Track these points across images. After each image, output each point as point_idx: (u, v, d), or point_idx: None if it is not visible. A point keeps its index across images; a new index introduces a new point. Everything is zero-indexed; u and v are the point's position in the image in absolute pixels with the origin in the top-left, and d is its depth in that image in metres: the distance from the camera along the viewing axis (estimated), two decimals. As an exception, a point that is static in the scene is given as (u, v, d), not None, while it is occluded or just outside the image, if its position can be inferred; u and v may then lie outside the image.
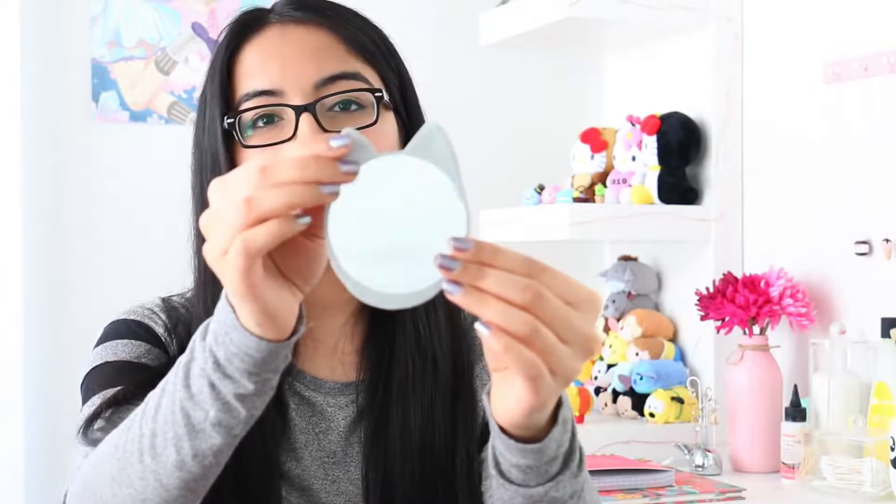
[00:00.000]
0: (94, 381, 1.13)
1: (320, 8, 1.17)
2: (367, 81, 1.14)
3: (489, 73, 3.12)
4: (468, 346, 1.23)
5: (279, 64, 1.12)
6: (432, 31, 3.07)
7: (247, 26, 1.16)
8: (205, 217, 0.85)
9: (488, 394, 0.89)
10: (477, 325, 0.80)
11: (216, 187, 0.85)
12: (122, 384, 1.10)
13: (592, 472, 2.18)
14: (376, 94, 1.13)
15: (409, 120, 1.19)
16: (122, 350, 1.14)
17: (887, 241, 2.25)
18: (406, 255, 0.79)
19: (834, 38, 2.40)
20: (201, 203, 1.15)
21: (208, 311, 1.13)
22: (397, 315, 1.18)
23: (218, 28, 3.04)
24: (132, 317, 1.18)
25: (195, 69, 2.93)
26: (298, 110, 1.10)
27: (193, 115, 2.88)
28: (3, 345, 2.72)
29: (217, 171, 1.13)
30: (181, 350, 1.13)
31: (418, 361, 1.17)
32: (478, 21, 2.93)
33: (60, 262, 2.85)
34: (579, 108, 3.12)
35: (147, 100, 2.91)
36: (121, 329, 1.16)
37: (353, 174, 0.80)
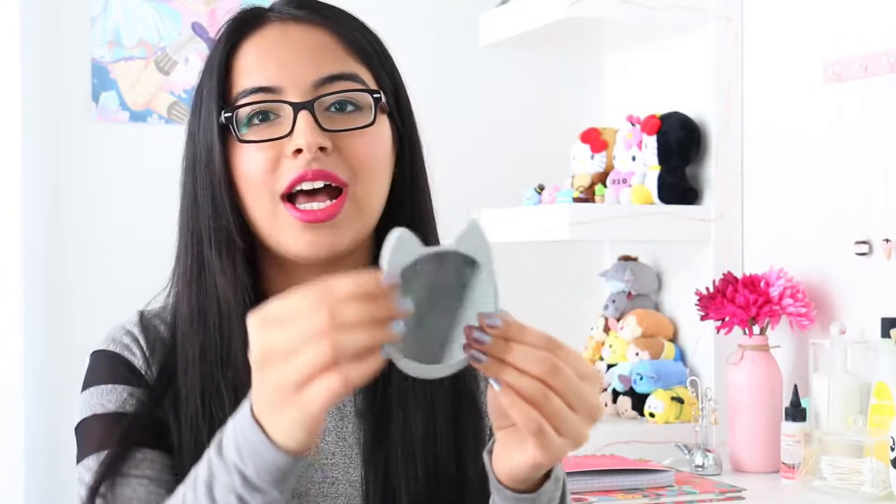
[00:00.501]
0: (85, 438, 1.14)
1: (320, 8, 1.17)
2: (364, 83, 1.15)
3: (489, 73, 3.12)
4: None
5: (278, 62, 1.13)
6: (432, 31, 3.06)
7: (246, 24, 1.17)
8: (263, 352, 0.88)
9: (489, 452, 0.98)
10: (491, 381, 0.91)
11: (264, 325, 0.88)
12: (113, 442, 1.11)
13: (592, 472, 2.17)
14: (374, 96, 1.14)
15: (403, 124, 1.19)
16: (108, 399, 1.14)
17: (887, 241, 2.25)
18: (445, 331, 0.91)
19: (834, 38, 2.40)
20: (193, 198, 1.16)
21: (192, 309, 1.14)
22: None
23: (218, 28, 3.04)
24: (112, 348, 1.17)
25: (195, 69, 2.92)
26: (297, 107, 1.11)
27: (193, 114, 2.90)
28: (3, 345, 2.72)
29: (211, 167, 1.13)
30: (161, 371, 1.15)
31: None
32: (478, 21, 2.93)
33: (60, 263, 2.84)
34: (579, 108, 3.12)
35: (147, 100, 2.91)
36: (105, 370, 1.16)
37: (409, 311, 0.86)
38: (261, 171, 1.11)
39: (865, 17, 2.33)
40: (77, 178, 2.86)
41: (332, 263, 1.16)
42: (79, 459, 1.14)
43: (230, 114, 1.12)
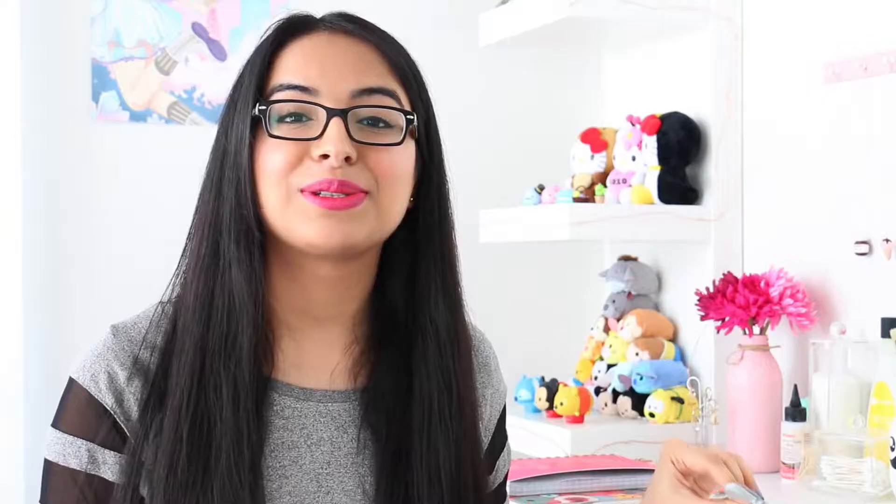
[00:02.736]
0: (46, 483, 1.15)
1: (370, 26, 1.20)
2: (400, 102, 1.17)
3: (489, 73, 3.12)
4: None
5: (320, 65, 1.15)
6: (432, 31, 3.07)
7: (295, 27, 1.18)
8: None
9: None
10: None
11: None
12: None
13: (593, 472, 2.18)
14: (408, 117, 1.16)
15: (430, 155, 1.20)
16: (69, 452, 1.14)
17: (887, 241, 2.25)
18: None
19: (834, 38, 2.40)
20: (218, 189, 1.16)
21: (198, 298, 1.14)
22: (417, 342, 1.19)
23: (218, 28, 3.05)
24: (84, 382, 1.14)
25: (195, 69, 2.93)
26: (331, 113, 1.12)
27: (194, 115, 2.91)
28: (3, 345, 2.72)
29: (239, 157, 1.14)
30: (153, 380, 1.13)
31: (444, 395, 1.18)
32: (478, 21, 2.93)
33: (60, 262, 2.85)
34: (579, 108, 3.12)
35: (147, 100, 2.91)
36: (73, 412, 1.15)
37: None
38: (282, 166, 1.13)
39: (865, 17, 2.33)
40: (77, 178, 2.86)
41: (338, 268, 1.17)
42: (40, 499, 1.16)
43: (265, 107, 1.13)
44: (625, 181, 2.66)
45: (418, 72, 1.21)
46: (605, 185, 2.69)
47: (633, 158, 2.69)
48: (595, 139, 2.77)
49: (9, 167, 2.73)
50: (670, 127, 2.62)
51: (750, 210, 2.63)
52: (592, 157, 2.77)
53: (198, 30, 2.94)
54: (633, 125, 2.71)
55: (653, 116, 2.66)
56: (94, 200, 2.87)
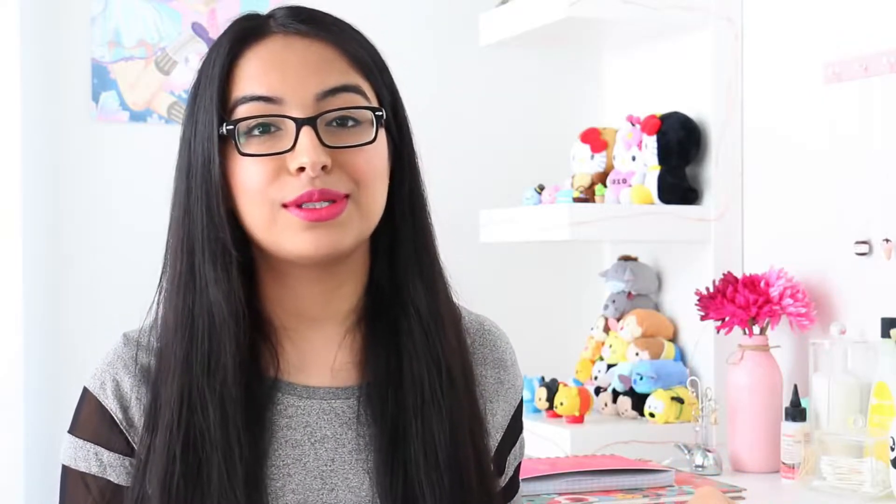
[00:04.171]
0: (62, 487, 1.18)
1: (323, 22, 1.18)
2: (366, 96, 1.15)
3: (489, 73, 3.12)
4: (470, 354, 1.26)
5: (280, 73, 1.13)
6: (432, 31, 3.06)
7: (248, 33, 1.16)
8: None
9: None
10: None
11: None
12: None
13: (592, 472, 2.18)
14: (377, 113, 1.15)
15: (400, 138, 1.20)
16: (79, 455, 1.16)
17: (887, 241, 2.25)
18: None
19: (834, 38, 2.40)
20: (186, 206, 1.15)
21: (178, 316, 1.14)
22: (402, 325, 1.19)
23: (218, 28, 3.04)
24: (95, 390, 1.16)
25: (195, 69, 2.91)
26: (299, 123, 1.11)
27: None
28: (3, 345, 2.72)
29: (208, 177, 1.13)
30: (147, 415, 1.14)
31: (433, 373, 1.18)
32: (478, 21, 2.93)
33: (60, 262, 2.84)
34: (579, 108, 3.12)
35: (147, 100, 2.91)
36: (84, 419, 1.17)
37: None
38: (261, 183, 1.12)
39: (865, 17, 2.33)
40: (77, 178, 2.86)
41: (328, 269, 1.17)
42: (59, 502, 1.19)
43: (232, 126, 1.12)
44: (625, 181, 2.66)
45: (378, 56, 1.19)
46: (605, 185, 2.69)
47: (633, 158, 2.69)
48: (595, 139, 2.77)
49: (9, 167, 2.73)
50: (670, 127, 2.63)
51: (750, 210, 2.63)
52: (592, 157, 2.77)
53: (198, 30, 2.94)
54: (633, 125, 2.71)
55: (653, 116, 2.66)
56: (94, 200, 2.87)
